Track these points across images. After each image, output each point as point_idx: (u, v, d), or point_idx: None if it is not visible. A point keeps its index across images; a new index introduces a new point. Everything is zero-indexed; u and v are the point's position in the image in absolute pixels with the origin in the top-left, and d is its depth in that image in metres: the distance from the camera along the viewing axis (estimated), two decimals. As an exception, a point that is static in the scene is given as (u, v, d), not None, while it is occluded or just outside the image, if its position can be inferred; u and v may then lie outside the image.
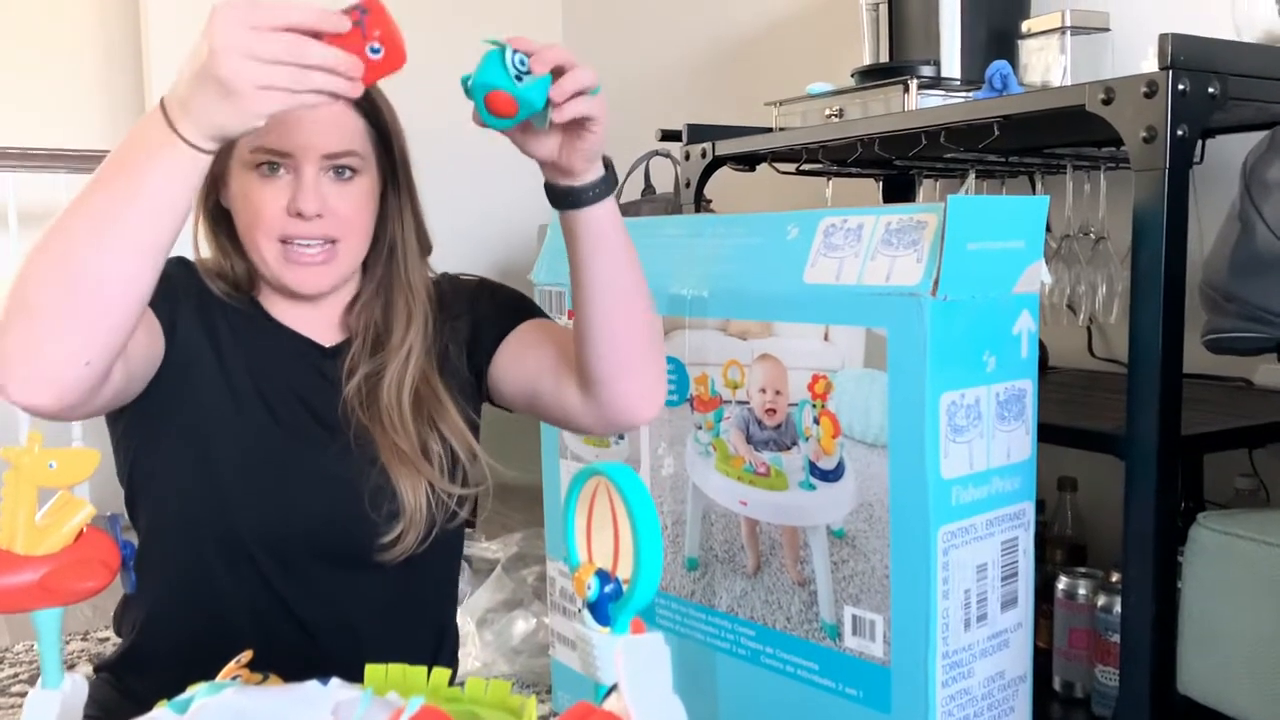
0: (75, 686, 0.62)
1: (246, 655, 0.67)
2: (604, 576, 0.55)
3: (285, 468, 0.98)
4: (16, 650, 2.17)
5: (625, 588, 0.55)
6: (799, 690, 1.09)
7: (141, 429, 0.97)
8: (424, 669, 0.65)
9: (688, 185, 1.82)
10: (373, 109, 1.00)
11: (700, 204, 1.84)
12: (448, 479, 0.99)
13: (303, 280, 0.97)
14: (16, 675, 2.04)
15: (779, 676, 1.11)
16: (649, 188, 2.41)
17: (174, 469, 0.96)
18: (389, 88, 1.11)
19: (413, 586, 1.03)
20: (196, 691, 0.57)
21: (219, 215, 1.02)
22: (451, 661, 1.11)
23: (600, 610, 0.55)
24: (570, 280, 0.91)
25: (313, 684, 0.56)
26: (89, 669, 0.66)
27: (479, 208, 3.26)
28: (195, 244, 1.04)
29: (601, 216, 0.87)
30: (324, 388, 1.00)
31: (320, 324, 1.04)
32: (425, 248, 1.07)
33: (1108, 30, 1.50)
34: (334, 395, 1.00)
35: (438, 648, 1.09)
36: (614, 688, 0.50)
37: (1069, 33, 1.46)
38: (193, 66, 0.69)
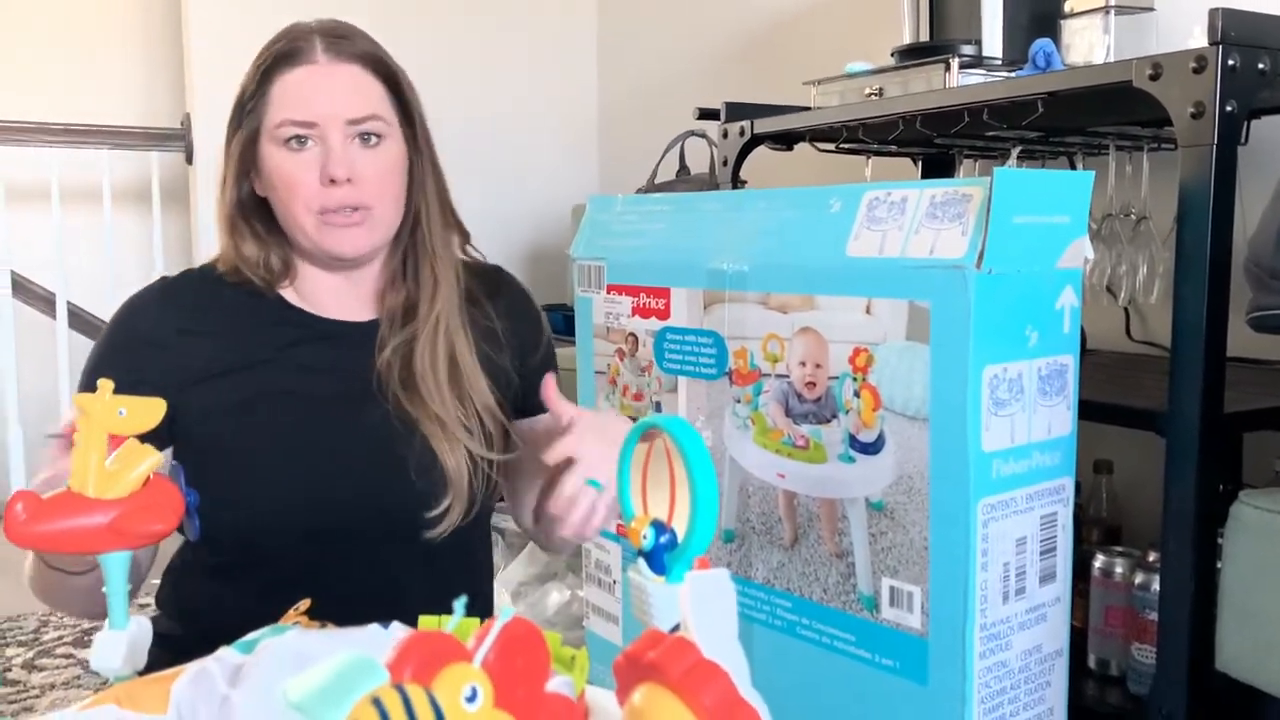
0: (140, 627, 0.64)
1: (305, 603, 0.69)
2: (659, 526, 0.56)
3: (325, 442, 0.99)
4: (61, 614, 2.21)
5: (680, 540, 0.56)
6: (835, 661, 1.09)
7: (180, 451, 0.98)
8: (478, 620, 0.66)
9: (725, 164, 1.82)
10: (391, 77, 1.00)
11: (736, 184, 1.84)
12: (484, 446, 1.01)
13: (340, 242, 0.97)
14: (61, 638, 2.09)
15: (815, 647, 1.11)
16: (683, 168, 2.41)
17: (209, 471, 0.96)
18: (426, 73, 1.12)
19: (459, 562, 1.04)
20: (261, 634, 0.59)
21: (254, 206, 1.02)
22: None
23: (656, 559, 0.56)
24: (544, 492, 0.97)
25: (374, 627, 0.57)
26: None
27: (515, 189, 3.27)
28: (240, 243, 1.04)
29: None
30: (356, 362, 1.01)
31: (353, 304, 1.04)
32: (451, 221, 1.07)
33: (1152, 10, 1.49)
34: (368, 370, 1.01)
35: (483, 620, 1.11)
36: (673, 630, 0.51)
37: (1113, 12, 1.45)
38: None
